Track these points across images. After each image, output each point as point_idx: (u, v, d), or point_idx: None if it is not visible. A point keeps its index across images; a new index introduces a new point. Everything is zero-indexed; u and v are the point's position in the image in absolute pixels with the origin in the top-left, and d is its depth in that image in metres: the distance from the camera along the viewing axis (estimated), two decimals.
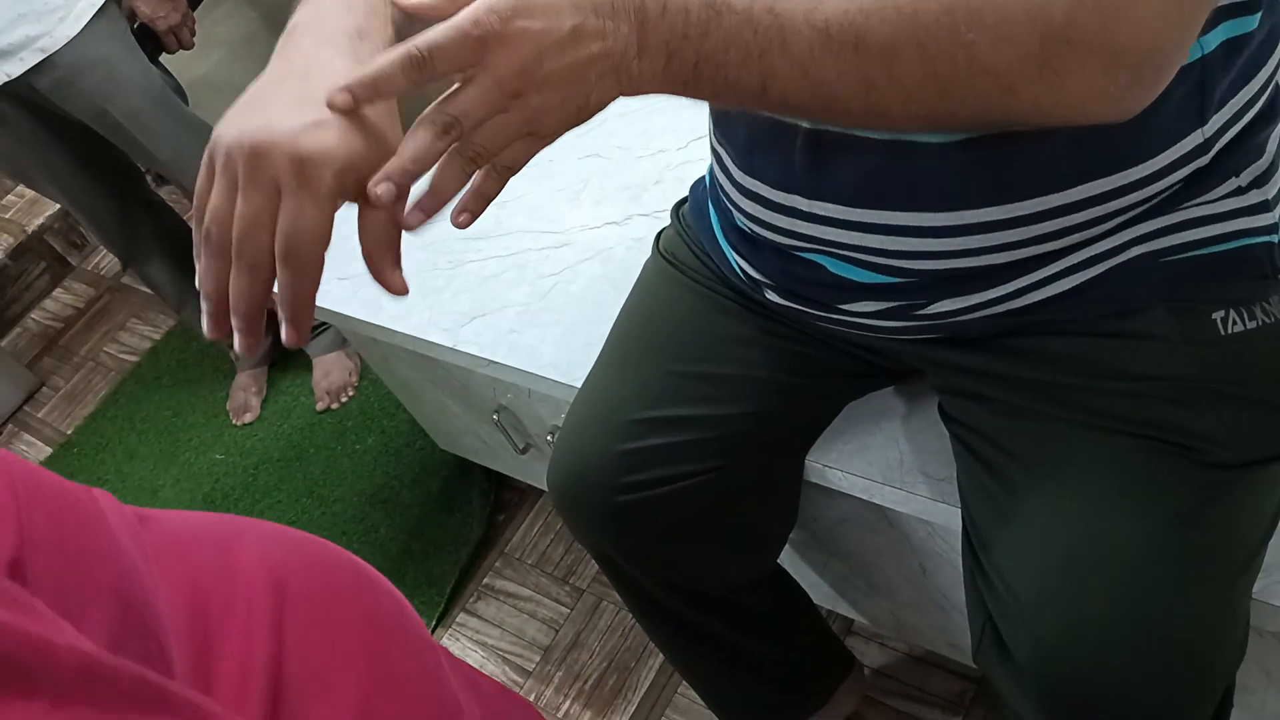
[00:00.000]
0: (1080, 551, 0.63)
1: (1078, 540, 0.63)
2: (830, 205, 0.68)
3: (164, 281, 1.89)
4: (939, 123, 0.56)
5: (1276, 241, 0.67)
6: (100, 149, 1.67)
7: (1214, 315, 0.64)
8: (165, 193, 2.16)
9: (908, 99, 0.51)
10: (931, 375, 0.79)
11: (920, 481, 0.86)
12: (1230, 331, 0.64)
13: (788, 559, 1.13)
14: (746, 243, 0.78)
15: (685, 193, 0.93)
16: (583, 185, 1.25)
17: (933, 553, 0.97)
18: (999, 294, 0.67)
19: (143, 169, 1.87)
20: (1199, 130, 0.62)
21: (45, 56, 1.46)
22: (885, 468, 0.88)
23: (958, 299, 0.68)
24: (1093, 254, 0.65)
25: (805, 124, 0.65)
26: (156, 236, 1.83)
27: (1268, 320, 0.65)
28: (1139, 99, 0.51)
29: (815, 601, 1.10)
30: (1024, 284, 0.67)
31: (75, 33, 1.46)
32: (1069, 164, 0.62)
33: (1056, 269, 0.66)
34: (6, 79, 1.47)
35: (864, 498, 0.90)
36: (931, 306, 0.70)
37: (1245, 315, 0.64)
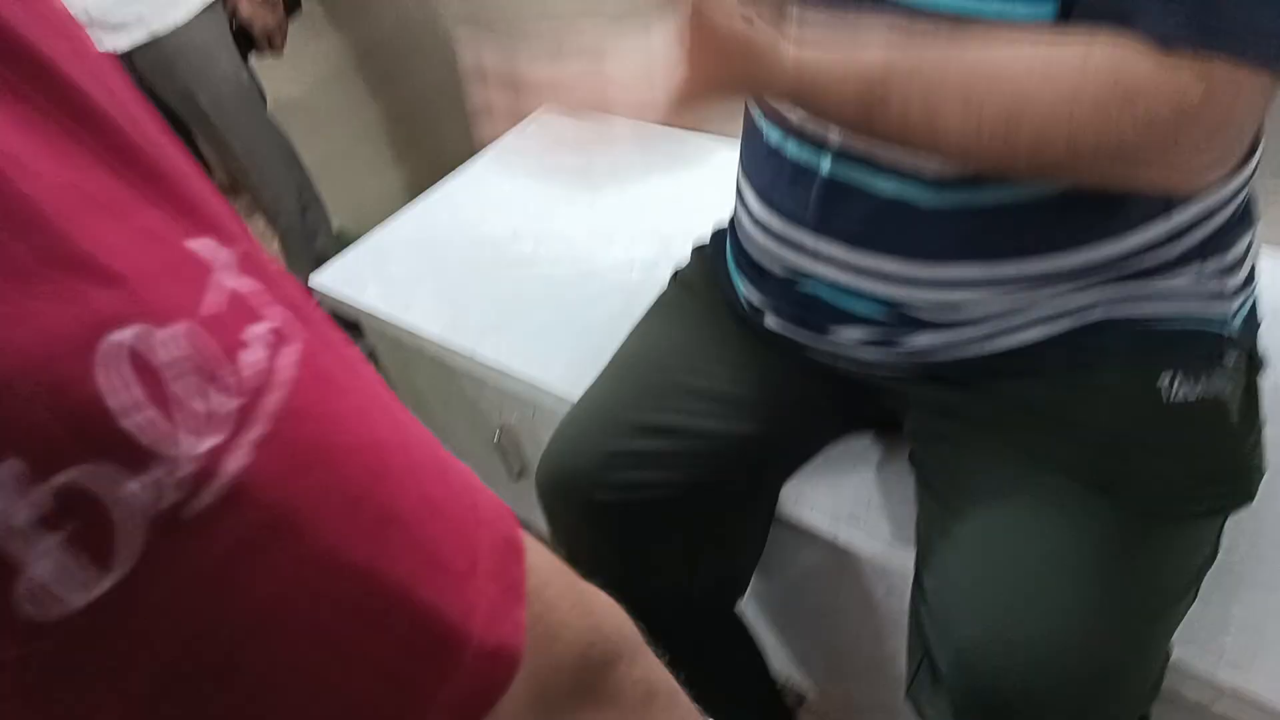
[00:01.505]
0: (1010, 574, 0.69)
1: (1009, 563, 0.69)
2: (834, 243, 0.76)
3: None
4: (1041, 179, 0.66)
5: (1226, 335, 0.74)
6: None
7: (1160, 382, 0.71)
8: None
9: (1039, 173, 0.61)
10: (906, 419, 0.86)
11: (884, 524, 0.91)
12: (1173, 399, 0.71)
13: (752, 614, 1.17)
14: (755, 272, 0.87)
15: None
16: (618, 228, 1.35)
17: (892, 614, 1.01)
18: (972, 336, 0.75)
19: (210, 167, 1.99)
20: (1165, 221, 0.70)
21: (152, 39, 1.59)
22: (853, 508, 0.94)
23: (935, 335, 0.76)
24: (1060, 311, 0.73)
25: (824, 172, 0.74)
26: None
27: (1207, 395, 0.71)
28: (1224, 171, 0.61)
29: (773, 666, 1.13)
30: (995, 330, 0.74)
31: (183, 20, 1.60)
32: (1049, 237, 0.70)
33: (1025, 320, 0.73)
34: (112, 51, 1.60)
35: (829, 535, 0.95)
36: (910, 341, 0.77)
37: (1189, 386, 0.71)
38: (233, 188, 1.93)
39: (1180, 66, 0.54)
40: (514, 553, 0.28)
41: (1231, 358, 0.74)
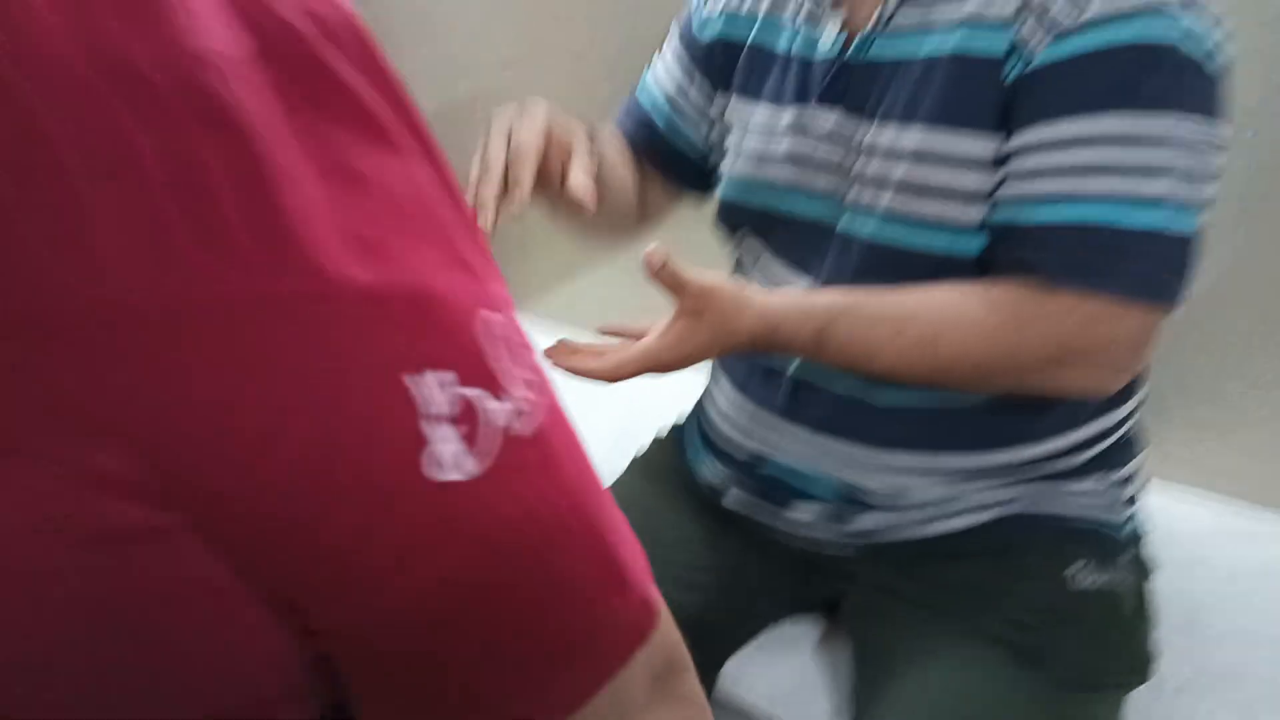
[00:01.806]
0: None
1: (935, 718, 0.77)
2: (799, 428, 0.89)
3: None
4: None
5: (1121, 538, 0.88)
6: None
7: (1069, 570, 0.83)
8: None
9: (957, 386, 0.77)
10: (846, 597, 0.95)
11: (822, 703, 0.98)
12: (1079, 586, 0.83)
13: None
14: (721, 453, 0.98)
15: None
16: (578, 415, 1.45)
17: None
18: (912, 519, 0.86)
19: None
20: (1072, 433, 0.85)
21: None
22: (790, 688, 1.00)
23: (880, 516, 0.87)
24: (988, 503, 0.86)
25: (791, 372, 0.88)
26: None
27: (1107, 586, 0.83)
28: (1116, 386, 0.76)
29: None
30: (932, 515, 0.86)
31: None
32: (980, 436, 0.84)
33: (959, 508, 0.86)
34: None
35: (766, 714, 1.01)
36: (859, 521, 0.88)
37: (1093, 576, 0.83)
38: None
39: (1064, 302, 0.71)
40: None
41: (1126, 557, 0.86)
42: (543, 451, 0.31)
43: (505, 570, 0.29)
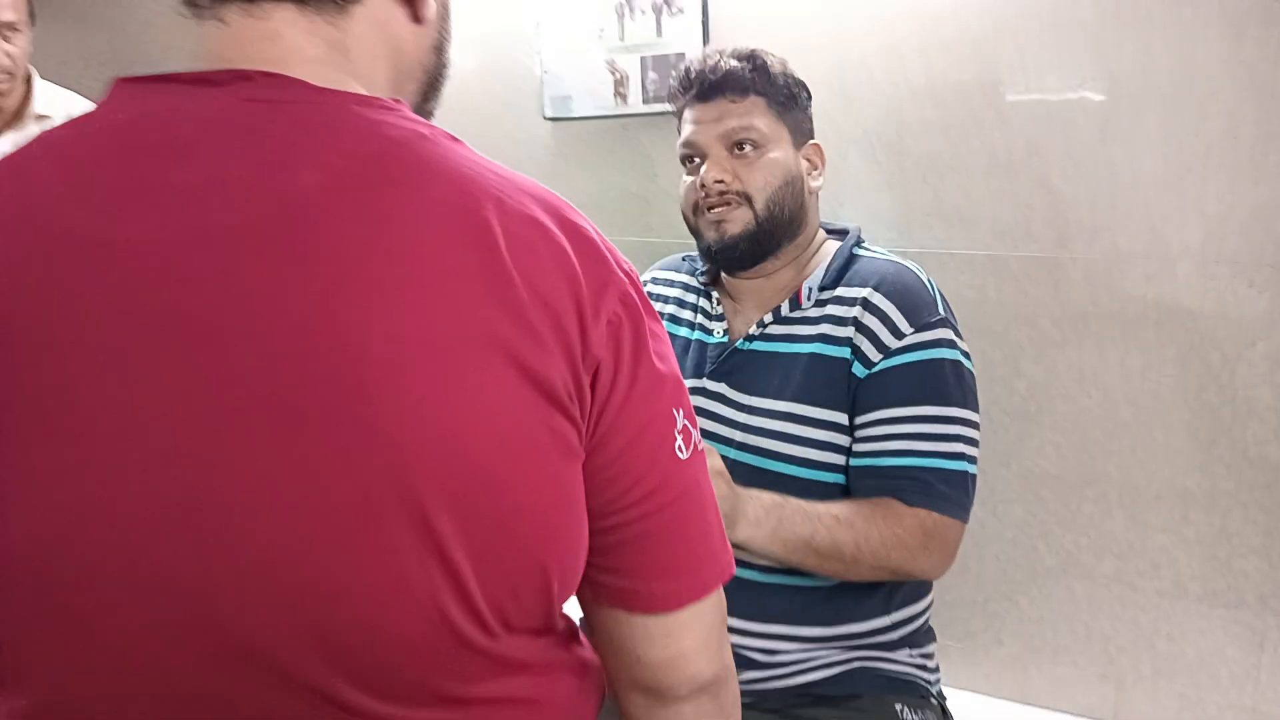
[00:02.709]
0: None
1: None
2: None
3: None
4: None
5: (931, 691, 1.17)
6: None
7: (897, 706, 1.11)
8: None
9: (847, 574, 1.07)
10: None
11: None
12: (904, 719, 1.10)
13: None
14: None
15: None
16: None
17: None
18: (781, 673, 1.12)
19: None
20: (885, 616, 1.16)
21: None
22: None
23: (757, 671, 1.12)
24: (836, 661, 1.13)
25: None
26: None
27: (925, 717, 1.11)
28: (944, 570, 1.09)
29: None
30: (796, 670, 1.12)
31: None
32: (827, 615, 1.13)
33: (815, 665, 1.13)
34: None
35: None
36: (742, 676, 1.13)
37: (914, 714, 1.11)
38: None
39: (919, 515, 1.06)
40: None
41: (935, 704, 1.15)
42: (700, 457, 0.59)
43: (695, 495, 0.57)
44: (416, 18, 0.59)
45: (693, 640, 0.59)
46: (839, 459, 1.12)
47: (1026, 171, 1.38)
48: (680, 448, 0.56)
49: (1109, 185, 1.33)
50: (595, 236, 0.54)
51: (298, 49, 0.54)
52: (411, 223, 0.48)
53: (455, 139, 0.54)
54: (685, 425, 0.57)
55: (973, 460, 1.11)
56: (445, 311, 0.48)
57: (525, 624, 0.53)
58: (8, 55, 1.74)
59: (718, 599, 0.61)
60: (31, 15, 1.79)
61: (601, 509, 0.54)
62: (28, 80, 1.82)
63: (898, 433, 1.09)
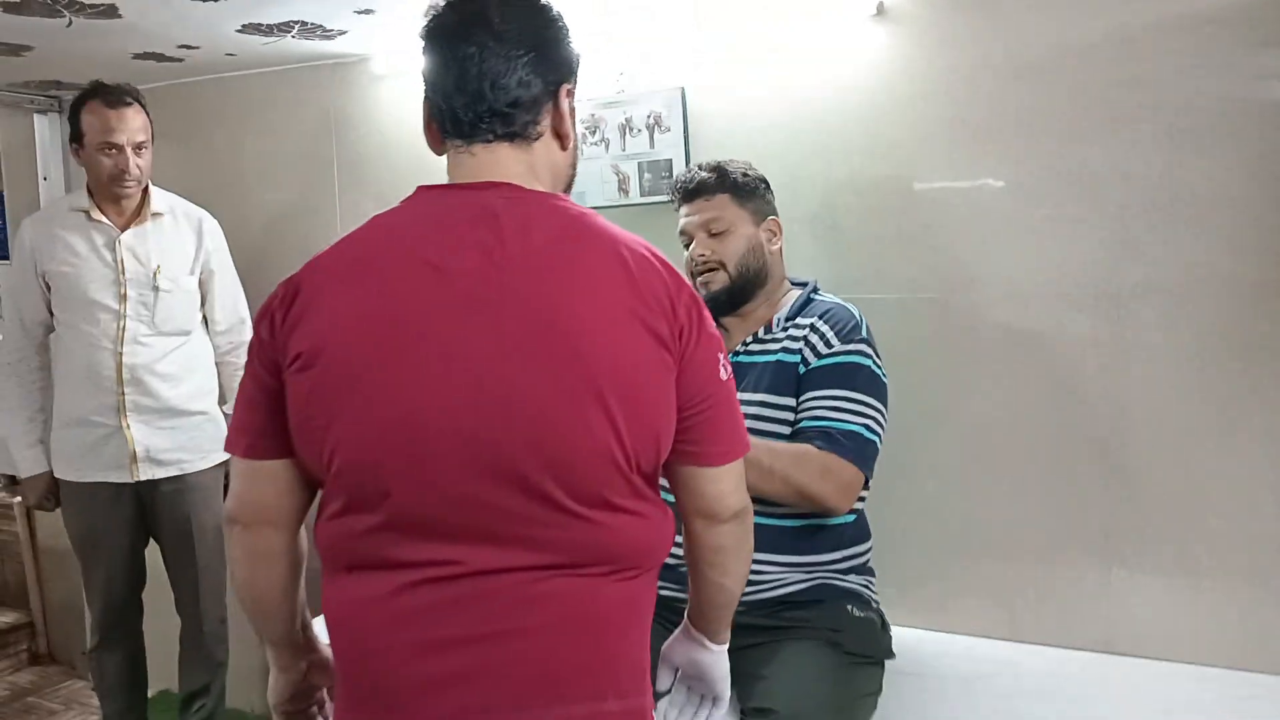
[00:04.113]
0: (800, 686, 1.48)
1: (797, 681, 1.49)
2: None
3: (110, 675, 2.39)
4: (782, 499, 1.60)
5: (873, 600, 1.68)
6: (141, 558, 2.37)
7: (848, 607, 1.62)
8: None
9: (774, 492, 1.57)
10: (732, 647, 1.65)
11: None
12: (854, 615, 1.61)
13: None
14: None
15: None
16: None
17: None
18: (764, 589, 1.62)
19: (174, 589, 2.44)
20: (839, 551, 1.67)
21: (180, 474, 2.29)
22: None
23: (749, 589, 1.60)
24: (809, 578, 1.64)
25: None
26: (126, 646, 2.42)
27: (867, 616, 1.63)
28: (844, 508, 1.60)
29: None
30: (777, 584, 1.63)
31: (204, 468, 2.32)
32: (796, 547, 1.64)
33: (789, 582, 1.63)
34: (150, 478, 2.26)
35: None
36: None
37: (860, 612, 1.62)
38: (178, 596, 2.43)
39: (822, 456, 1.57)
40: None
41: (876, 608, 1.67)
42: (732, 381, 1.07)
43: (730, 401, 1.07)
44: (563, 147, 1.11)
45: (730, 484, 1.08)
46: (788, 430, 1.65)
47: (923, 240, 1.94)
48: (721, 374, 1.05)
49: (981, 247, 1.89)
50: (669, 263, 1.04)
51: (513, 169, 1.05)
52: (590, 258, 1.00)
53: (595, 213, 1.05)
54: (723, 362, 1.05)
55: (873, 430, 1.61)
56: (609, 300, 0.97)
57: (646, 468, 1.01)
58: (138, 167, 2.24)
59: (741, 464, 1.10)
60: (152, 136, 2.29)
61: (683, 404, 1.03)
62: (145, 187, 2.32)
63: (818, 406, 1.62)
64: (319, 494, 1.08)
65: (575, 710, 1.00)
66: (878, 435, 1.63)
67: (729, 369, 1.08)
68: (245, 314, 2.47)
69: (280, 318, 1.02)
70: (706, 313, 1.05)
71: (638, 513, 1.02)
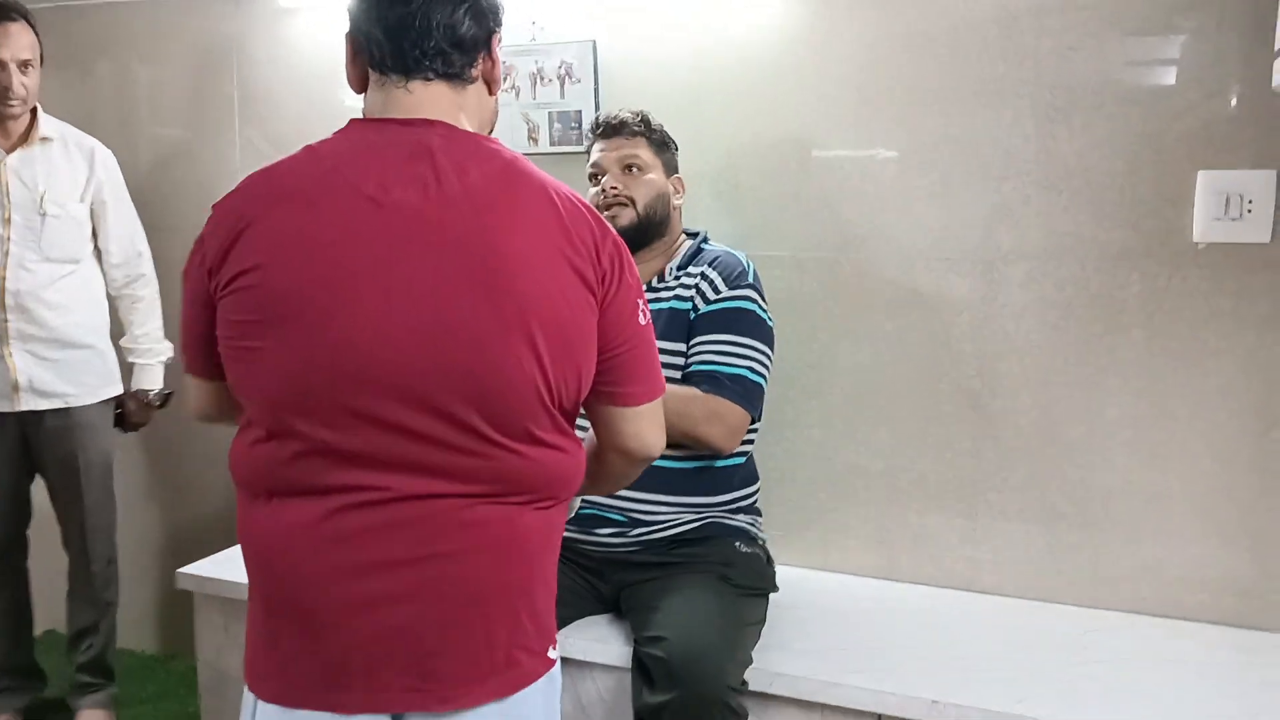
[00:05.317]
0: (689, 619, 1.57)
1: (688, 611, 1.58)
2: None
3: None
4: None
5: (758, 537, 1.78)
6: (26, 493, 2.31)
7: (736, 544, 1.72)
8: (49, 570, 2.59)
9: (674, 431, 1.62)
10: (627, 584, 1.73)
11: (615, 648, 1.72)
12: (741, 551, 1.72)
13: None
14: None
15: None
16: None
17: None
18: (661, 526, 1.71)
19: (60, 526, 2.40)
20: (729, 493, 1.77)
21: (65, 408, 2.24)
22: (590, 641, 1.73)
23: (644, 528, 1.70)
24: (699, 518, 1.73)
25: None
26: (9, 584, 2.37)
27: (753, 551, 1.74)
28: (730, 449, 1.69)
29: None
30: (671, 524, 1.72)
31: (90, 403, 2.27)
32: (690, 488, 1.73)
33: (685, 521, 1.72)
34: (31, 409, 2.21)
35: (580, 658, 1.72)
36: (633, 533, 1.71)
37: (747, 548, 1.73)
38: (65, 533, 2.38)
39: (708, 399, 1.66)
40: None
41: (760, 543, 1.78)
42: (650, 326, 1.13)
43: (648, 344, 1.12)
44: (491, 93, 1.15)
45: (648, 424, 1.15)
46: (682, 375, 1.72)
47: (818, 201, 2.03)
48: (640, 319, 1.10)
49: (872, 211, 2.00)
50: (598, 213, 1.09)
51: (447, 109, 1.08)
52: (524, 200, 1.03)
53: (525, 158, 1.09)
54: (643, 308, 1.10)
55: (758, 373, 1.70)
56: (541, 240, 1.01)
57: (567, 404, 1.07)
58: (24, 86, 2.16)
59: (659, 404, 1.17)
60: (41, 58, 2.21)
61: (603, 347, 1.08)
62: (33, 110, 2.24)
63: (705, 350, 1.71)
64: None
65: (496, 627, 1.07)
66: (762, 377, 1.72)
67: (648, 315, 1.13)
68: (143, 248, 2.41)
69: (217, 241, 1.03)
70: (629, 259, 1.10)
71: (557, 446, 1.08)
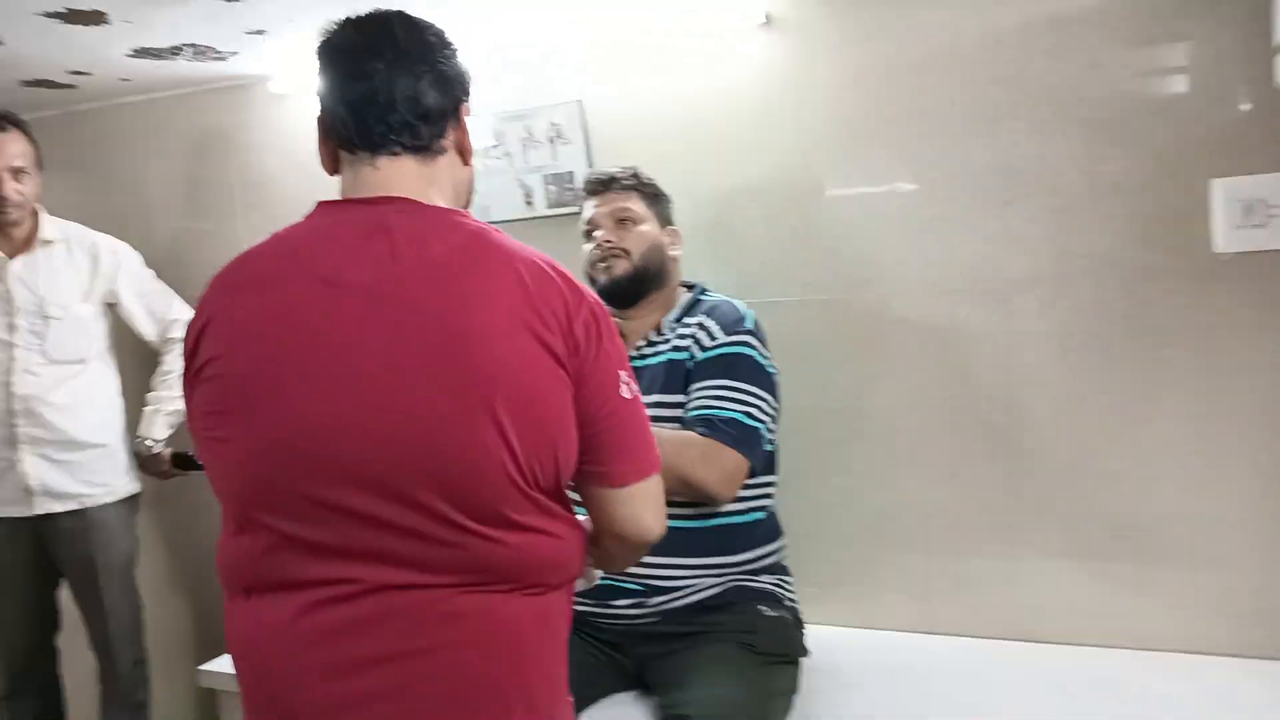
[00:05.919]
0: (711, 690, 1.49)
1: (709, 686, 1.49)
2: None
3: None
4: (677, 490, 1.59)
5: (785, 599, 1.69)
6: (51, 600, 2.29)
7: (760, 607, 1.63)
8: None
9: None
10: (646, 653, 1.65)
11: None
12: (766, 615, 1.63)
13: None
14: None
15: None
16: None
17: None
18: (679, 595, 1.63)
19: (86, 630, 2.35)
20: (751, 551, 1.69)
21: (80, 508, 2.22)
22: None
23: (662, 596, 1.63)
24: (718, 583, 1.65)
25: None
26: (39, 693, 2.33)
27: (780, 615, 1.64)
28: (728, 496, 1.60)
29: None
30: (691, 591, 1.64)
31: (109, 502, 2.26)
32: (711, 549, 1.66)
33: (704, 587, 1.64)
34: (46, 512, 2.19)
35: None
36: (651, 602, 1.63)
37: (773, 611, 1.64)
38: (90, 636, 2.35)
39: (704, 442, 1.58)
40: None
41: (788, 607, 1.69)
42: (638, 398, 1.07)
43: (636, 419, 1.06)
44: (465, 162, 1.12)
45: (641, 506, 1.08)
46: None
47: (819, 241, 1.97)
48: (624, 391, 1.04)
49: (875, 247, 1.93)
50: (573, 277, 1.04)
51: (413, 184, 1.05)
52: (488, 272, 0.98)
53: (495, 229, 1.05)
54: (627, 380, 1.05)
55: (755, 419, 1.63)
56: (505, 313, 0.96)
57: (546, 485, 1.00)
58: (18, 193, 2.18)
59: (655, 482, 1.09)
60: (39, 163, 2.24)
61: (584, 422, 1.02)
62: (34, 214, 2.26)
63: (701, 395, 1.65)
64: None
65: None
66: (761, 423, 1.64)
67: (635, 387, 1.07)
68: (179, 316, 2.43)
69: (190, 335, 1.04)
70: (609, 328, 1.04)
71: (541, 530, 1.01)
